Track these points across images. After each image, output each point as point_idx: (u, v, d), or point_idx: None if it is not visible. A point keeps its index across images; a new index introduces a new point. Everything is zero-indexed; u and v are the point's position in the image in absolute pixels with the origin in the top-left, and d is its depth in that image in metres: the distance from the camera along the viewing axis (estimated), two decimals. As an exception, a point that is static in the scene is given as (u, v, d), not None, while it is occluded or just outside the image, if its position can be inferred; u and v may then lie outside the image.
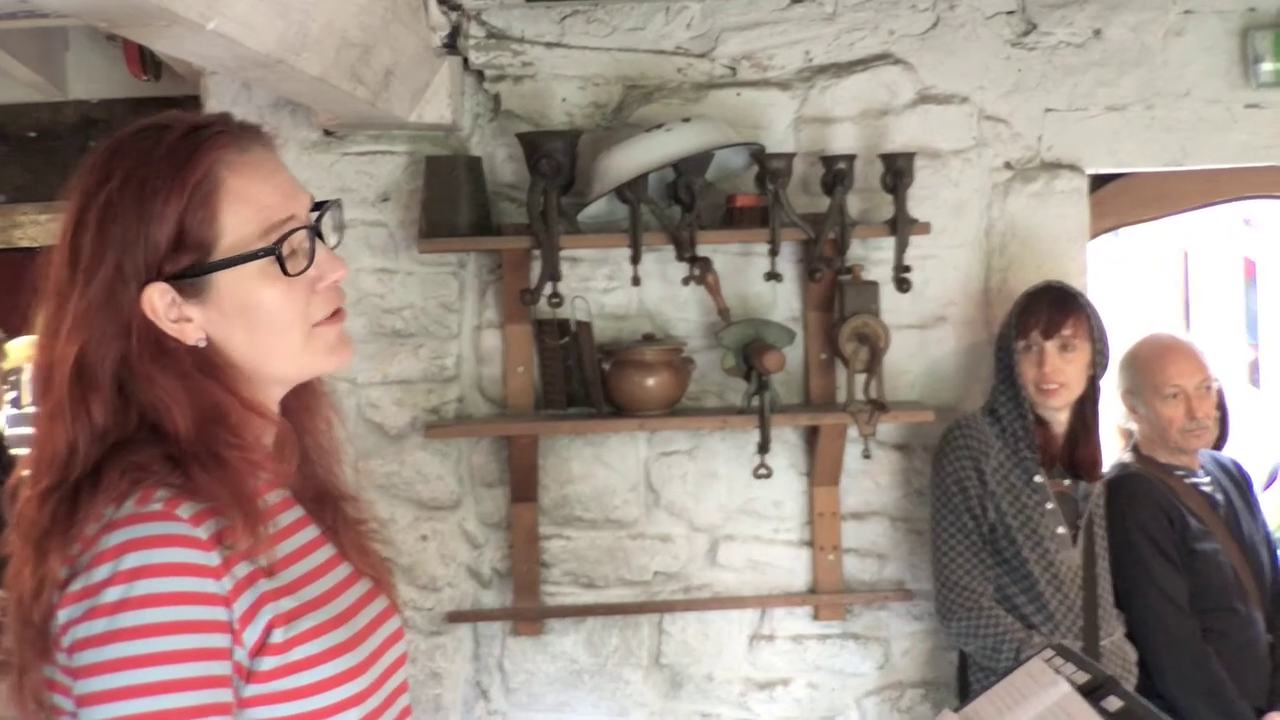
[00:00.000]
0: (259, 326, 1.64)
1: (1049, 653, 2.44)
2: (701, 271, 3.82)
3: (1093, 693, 2.24)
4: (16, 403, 5.57)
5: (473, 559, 4.07)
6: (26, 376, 5.63)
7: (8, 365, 6.08)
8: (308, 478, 1.79)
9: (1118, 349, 3.87)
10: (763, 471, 3.89)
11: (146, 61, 4.97)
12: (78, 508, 1.53)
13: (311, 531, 1.73)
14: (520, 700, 4.10)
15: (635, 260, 3.79)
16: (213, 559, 1.50)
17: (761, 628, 4.12)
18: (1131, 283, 9.33)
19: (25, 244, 7.75)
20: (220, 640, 1.50)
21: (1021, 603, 3.61)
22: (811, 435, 4.02)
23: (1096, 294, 4.00)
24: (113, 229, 1.57)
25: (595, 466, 4.09)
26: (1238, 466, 4.00)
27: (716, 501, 4.10)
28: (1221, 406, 3.97)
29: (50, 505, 1.55)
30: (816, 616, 4.10)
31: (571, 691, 4.10)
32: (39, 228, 7.56)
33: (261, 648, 1.53)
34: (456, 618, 4.03)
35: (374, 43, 3.23)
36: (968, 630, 3.59)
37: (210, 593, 1.49)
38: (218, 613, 1.50)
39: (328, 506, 1.80)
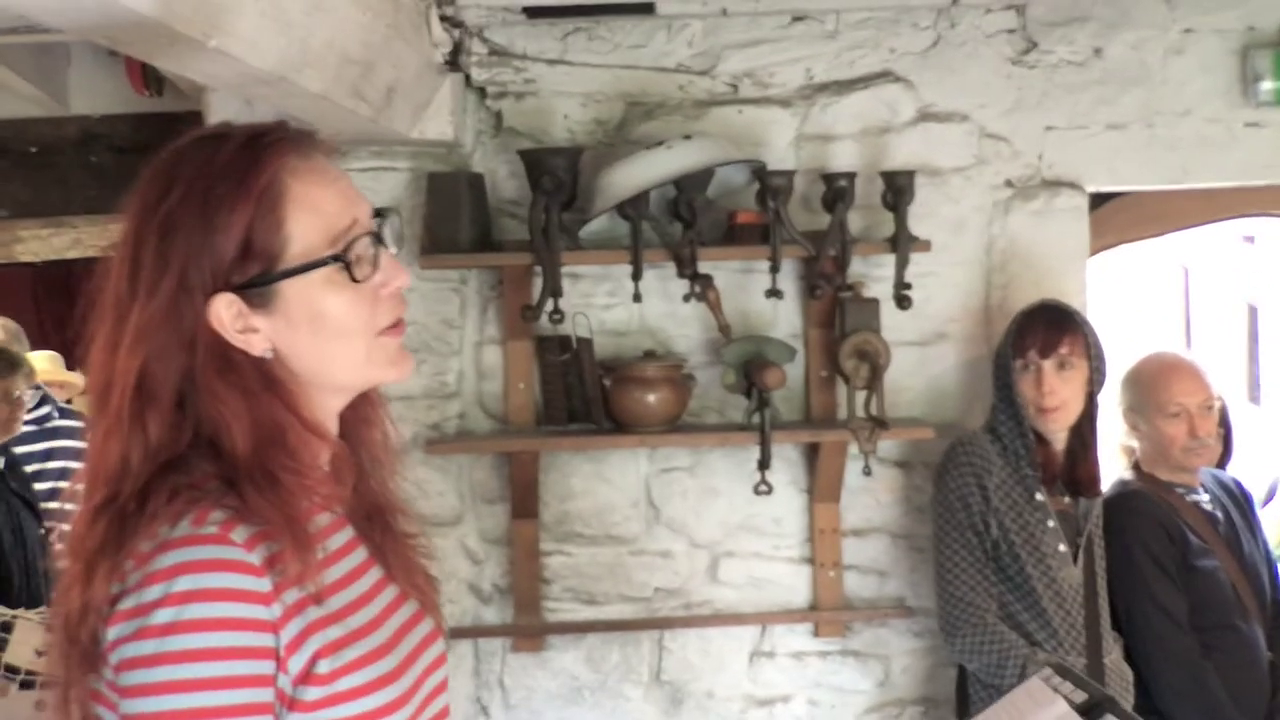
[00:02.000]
0: (325, 334, 1.62)
1: (1048, 671, 2.44)
2: (702, 288, 3.82)
3: (1090, 712, 2.24)
4: (48, 417, 5.55)
5: (473, 575, 4.07)
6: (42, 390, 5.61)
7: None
8: (361, 493, 1.77)
9: (1119, 367, 3.88)
10: (763, 488, 3.89)
11: (149, 77, 4.97)
12: (127, 526, 1.51)
13: (360, 554, 1.71)
14: (521, 716, 4.09)
15: (636, 277, 3.79)
16: (264, 584, 1.49)
17: (762, 644, 4.11)
18: (1132, 300, 9.33)
19: (27, 259, 7.73)
20: (266, 667, 1.49)
21: (1025, 619, 3.60)
22: (812, 452, 4.02)
23: (1096, 312, 4.00)
24: (176, 240, 1.55)
25: (596, 483, 4.09)
26: (1238, 484, 4.00)
27: (717, 518, 4.10)
28: (1225, 425, 3.98)
29: (102, 523, 1.53)
30: (817, 633, 4.10)
31: (572, 708, 4.09)
32: (41, 242, 7.54)
33: (306, 677, 1.52)
34: (457, 634, 4.02)
35: (376, 60, 3.23)
36: (972, 647, 3.58)
37: (260, 619, 1.48)
38: (265, 639, 1.48)
39: (378, 522, 1.78)
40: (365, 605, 1.65)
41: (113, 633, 1.49)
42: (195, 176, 1.57)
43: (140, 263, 1.56)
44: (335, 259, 1.60)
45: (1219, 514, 3.86)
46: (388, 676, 1.60)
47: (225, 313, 1.56)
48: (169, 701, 1.44)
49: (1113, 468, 3.93)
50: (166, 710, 1.44)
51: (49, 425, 5.51)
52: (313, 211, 1.61)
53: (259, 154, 1.59)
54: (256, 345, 1.59)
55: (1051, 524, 3.62)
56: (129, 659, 1.46)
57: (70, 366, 6.66)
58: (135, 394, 1.55)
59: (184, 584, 1.45)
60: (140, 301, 1.55)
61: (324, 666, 1.53)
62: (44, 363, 6.52)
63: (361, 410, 1.77)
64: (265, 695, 1.48)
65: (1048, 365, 3.62)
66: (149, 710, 1.45)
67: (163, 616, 1.45)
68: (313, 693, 1.52)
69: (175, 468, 1.54)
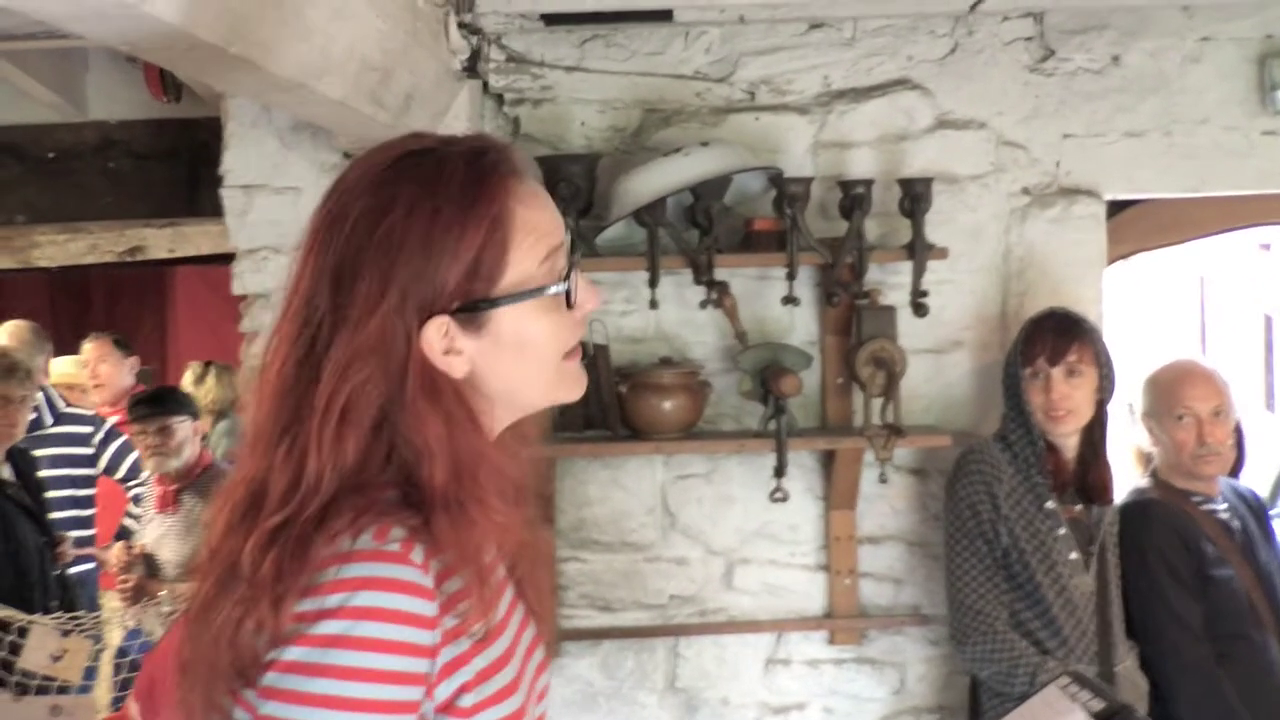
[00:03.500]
0: (527, 357, 1.59)
1: (1065, 680, 2.44)
2: (719, 295, 3.82)
3: (1109, 720, 2.24)
4: (38, 423, 5.54)
5: (488, 581, 4.06)
6: (42, 396, 5.62)
7: (50, 381, 6.07)
8: None
9: (1135, 376, 3.87)
10: (779, 495, 3.89)
11: (167, 83, 4.98)
12: (307, 549, 1.45)
13: (500, 571, 1.65)
14: (535, 723, 4.09)
15: (653, 283, 3.79)
16: (433, 609, 1.45)
17: (777, 652, 4.11)
18: (1148, 309, 9.32)
19: (44, 264, 7.77)
20: (417, 694, 1.45)
21: (1036, 628, 3.60)
22: (828, 459, 4.02)
23: (1112, 320, 4.00)
24: (397, 261, 1.51)
25: (612, 489, 4.09)
26: (1254, 495, 3.99)
27: (733, 525, 4.10)
28: (1237, 433, 3.97)
29: (281, 546, 1.46)
30: (832, 641, 4.10)
31: (587, 715, 4.09)
32: (57, 248, 7.57)
33: (449, 707, 1.48)
34: (472, 640, 4.02)
35: (394, 66, 3.24)
36: (982, 655, 3.58)
37: (424, 644, 1.44)
38: (423, 664, 1.45)
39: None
40: (503, 632, 1.59)
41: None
42: (420, 196, 1.53)
43: (353, 278, 1.52)
44: (560, 286, 1.58)
45: (1235, 523, 3.84)
46: (517, 714, 1.57)
47: (435, 335, 1.53)
48: (319, 715, 1.40)
49: (1126, 475, 3.92)
50: None
51: (35, 434, 5.47)
52: (531, 234, 1.57)
53: (486, 177, 1.56)
54: (459, 368, 1.55)
55: (1062, 531, 3.62)
56: (287, 662, 1.42)
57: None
58: (342, 415, 1.49)
59: (363, 599, 1.41)
60: (352, 322, 1.51)
61: (468, 700, 1.49)
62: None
63: (520, 427, 1.70)
64: None
65: (1056, 373, 3.61)
66: (296, 718, 1.40)
67: (333, 627, 1.41)
68: None
69: (355, 490, 1.49)
